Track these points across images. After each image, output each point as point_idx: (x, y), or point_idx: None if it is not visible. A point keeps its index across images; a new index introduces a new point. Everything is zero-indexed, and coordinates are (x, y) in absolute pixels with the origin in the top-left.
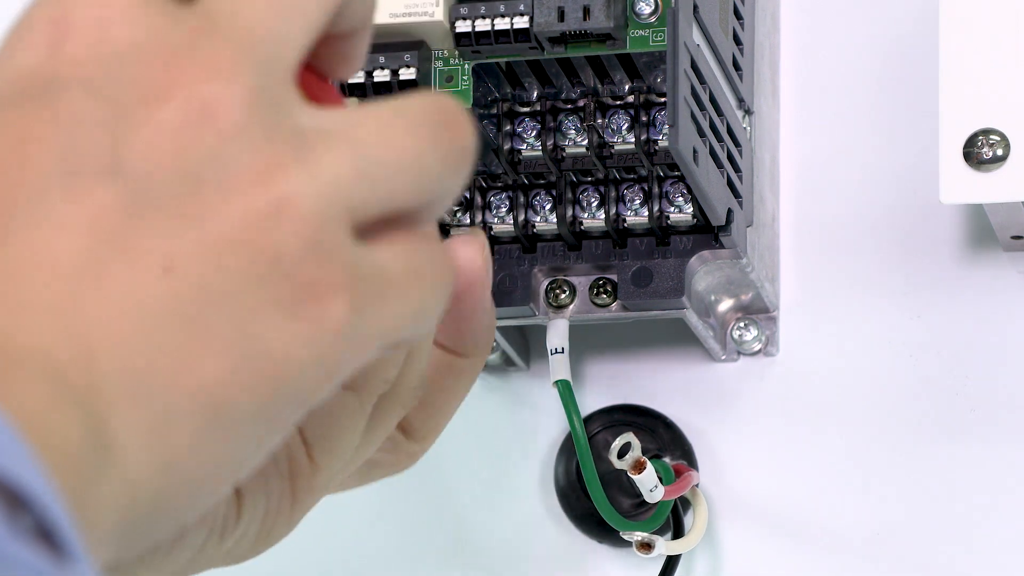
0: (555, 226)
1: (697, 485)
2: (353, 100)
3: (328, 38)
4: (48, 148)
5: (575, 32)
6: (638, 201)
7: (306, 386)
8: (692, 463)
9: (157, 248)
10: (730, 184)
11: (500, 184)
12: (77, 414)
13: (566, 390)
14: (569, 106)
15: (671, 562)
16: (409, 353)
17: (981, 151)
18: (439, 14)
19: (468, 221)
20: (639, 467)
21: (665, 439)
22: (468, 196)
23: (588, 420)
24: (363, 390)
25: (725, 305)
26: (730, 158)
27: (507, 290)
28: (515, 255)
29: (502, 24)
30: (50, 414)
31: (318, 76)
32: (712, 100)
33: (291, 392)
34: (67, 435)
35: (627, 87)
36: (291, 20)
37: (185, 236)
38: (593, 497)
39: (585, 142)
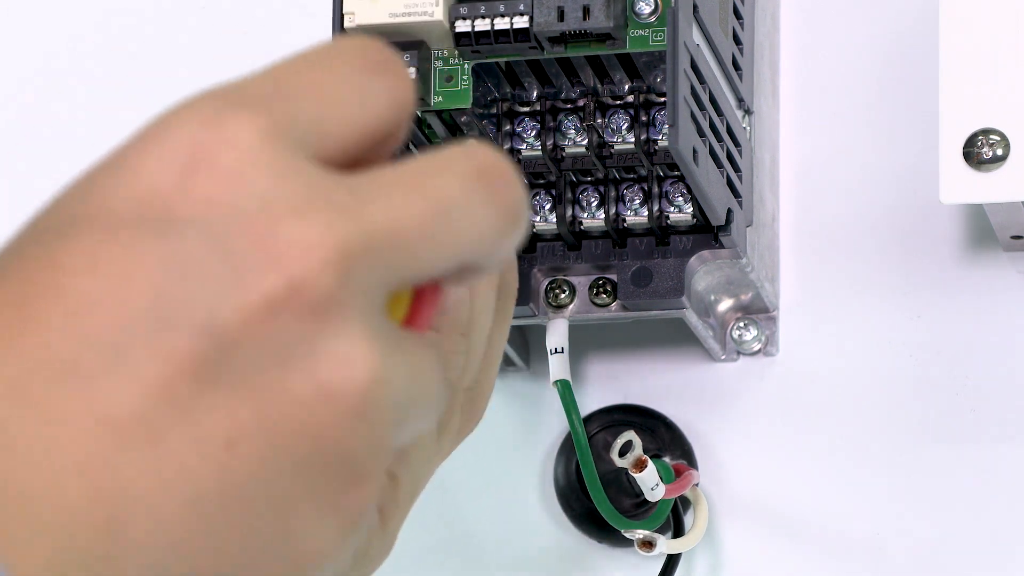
0: (555, 226)
1: (697, 484)
2: None
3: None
4: (148, 289)
5: (575, 32)
6: (638, 201)
7: (328, 567)
8: (692, 463)
9: (224, 421)
10: (730, 184)
11: None
12: None
13: (566, 390)
14: (569, 106)
15: (671, 561)
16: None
17: (981, 151)
18: (439, 14)
19: None
20: (640, 465)
21: (665, 439)
22: None
23: (588, 420)
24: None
25: (725, 305)
26: (730, 158)
27: None
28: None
29: (502, 24)
30: None
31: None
32: (712, 100)
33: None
34: None
35: (627, 87)
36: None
37: (254, 412)
38: (593, 496)
39: (585, 142)
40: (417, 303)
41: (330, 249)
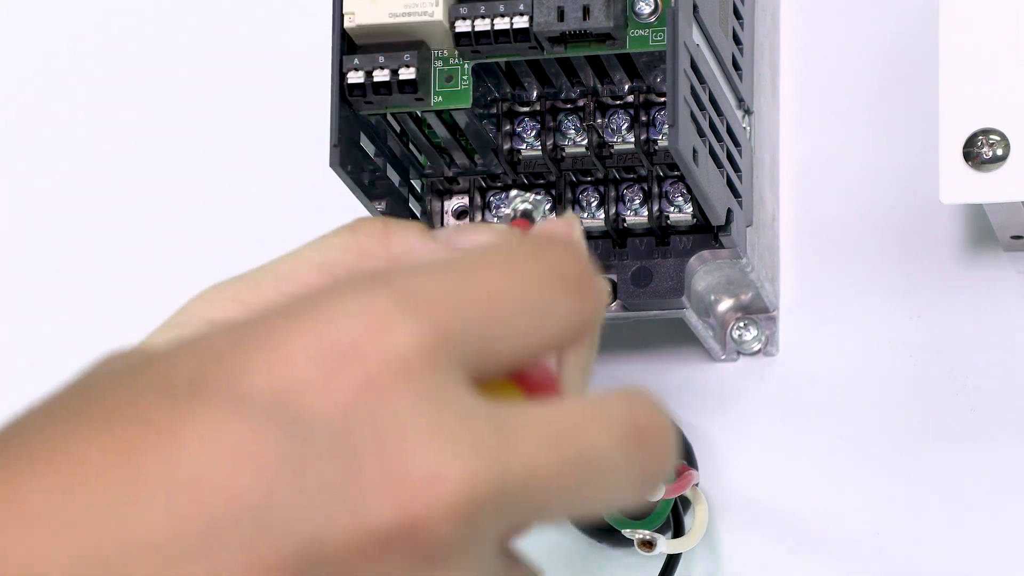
0: None
1: (697, 484)
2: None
3: None
4: (260, 485)
5: (575, 32)
6: (638, 201)
7: None
8: (692, 463)
9: None
10: (730, 184)
11: (500, 184)
12: None
13: None
14: (569, 106)
15: (671, 561)
16: None
17: (981, 151)
18: (439, 14)
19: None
20: None
21: None
22: (468, 196)
23: None
24: None
25: (725, 305)
26: (730, 158)
27: None
28: None
29: (502, 24)
30: None
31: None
32: (712, 100)
33: None
34: None
35: (627, 87)
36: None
37: None
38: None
39: (585, 142)
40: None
41: (459, 494)
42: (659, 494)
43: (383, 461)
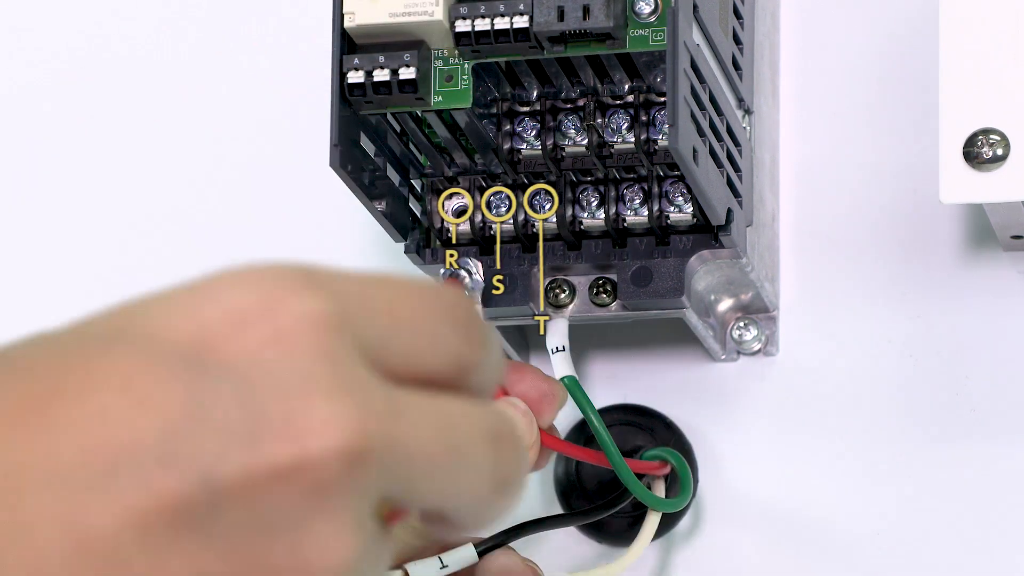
0: (555, 225)
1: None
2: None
3: None
4: (164, 421)
5: (575, 32)
6: (638, 201)
7: None
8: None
9: (193, 569)
10: (730, 184)
11: (500, 184)
12: None
13: (574, 385)
14: (569, 106)
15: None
16: None
17: (981, 151)
18: (439, 13)
19: (472, 221)
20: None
21: (665, 439)
22: (469, 196)
23: None
24: None
25: (725, 305)
26: (730, 158)
27: (507, 290)
28: (515, 255)
29: (502, 24)
30: None
31: None
32: (712, 100)
33: None
34: None
35: (627, 87)
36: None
37: (224, 569)
38: (626, 482)
39: (585, 142)
40: (397, 511)
41: (349, 440)
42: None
43: (284, 406)
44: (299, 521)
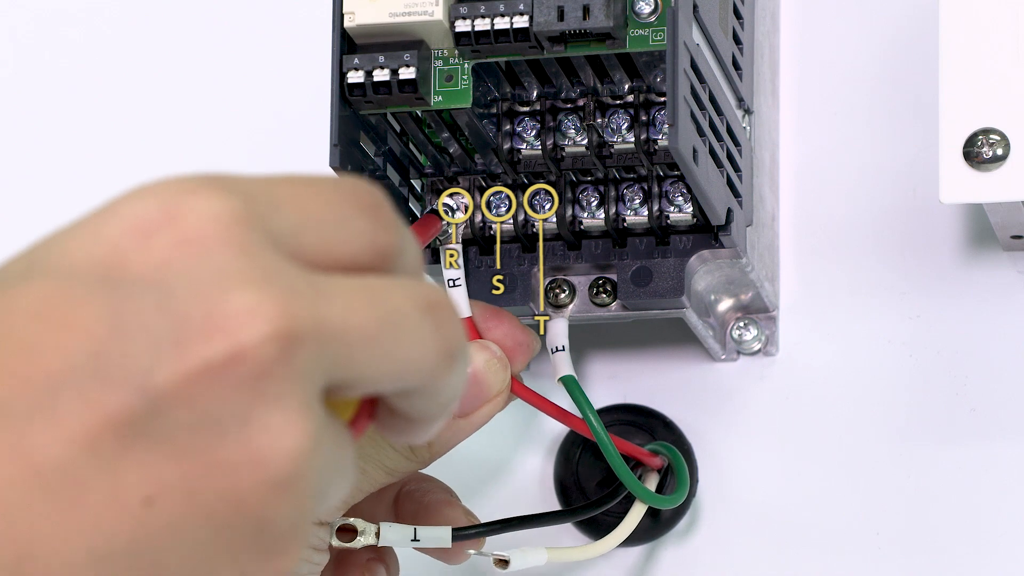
0: (555, 225)
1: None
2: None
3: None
4: (88, 341)
5: (575, 31)
6: (638, 201)
7: None
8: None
9: (146, 477)
10: (730, 184)
11: (500, 184)
12: None
13: (573, 385)
14: (569, 106)
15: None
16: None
17: (981, 151)
18: (439, 13)
19: (471, 221)
20: (503, 563)
21: (665, 439)
22: (469, 195)
23: None
24: None
25: (725, 305)
26: (730, 157)
27: (507, 290)
28: (515, 255)
29: (502, 23)
30: None
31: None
32: (712, 99)
33: None
34: None
35: (627, 87)
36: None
37: (177, 472)
38: (624, 480)
39: (585, 142)
40: (359, 414)
41: (277, 324)
42: (463, 376)
43: (204, 304)
44: (244, 414)
